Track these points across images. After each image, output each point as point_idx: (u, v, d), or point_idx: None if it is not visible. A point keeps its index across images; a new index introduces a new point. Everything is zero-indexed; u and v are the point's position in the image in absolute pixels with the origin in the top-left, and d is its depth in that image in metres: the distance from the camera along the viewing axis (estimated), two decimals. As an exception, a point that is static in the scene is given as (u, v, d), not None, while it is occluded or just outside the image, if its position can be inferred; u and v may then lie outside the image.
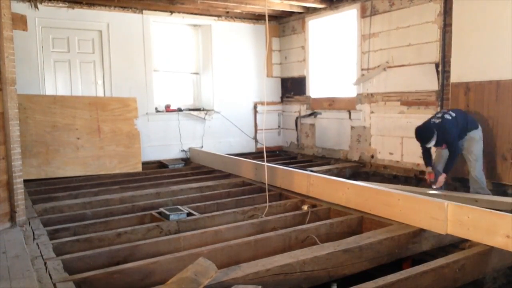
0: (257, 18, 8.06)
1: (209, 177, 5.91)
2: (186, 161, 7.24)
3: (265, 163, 4.70)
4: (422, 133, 4.73)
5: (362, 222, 3.78)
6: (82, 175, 5.96)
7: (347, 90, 7.00)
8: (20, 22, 5.22)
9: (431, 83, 5.63)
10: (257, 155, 7.65)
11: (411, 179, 5.89)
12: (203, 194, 4.85)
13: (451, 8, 5.27)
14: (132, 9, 7.00)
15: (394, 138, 6.19)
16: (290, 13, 7.79)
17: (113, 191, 5.00)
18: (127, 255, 2.99)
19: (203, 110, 7.83)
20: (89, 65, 6.89)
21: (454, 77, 5.27)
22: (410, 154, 5.97)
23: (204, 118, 7.72)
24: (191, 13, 7.47)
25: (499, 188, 4.87)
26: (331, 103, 7.32)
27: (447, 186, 5.07)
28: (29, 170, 5.53)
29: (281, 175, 4.91)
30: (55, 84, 6.68)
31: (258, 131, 8.28)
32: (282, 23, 8.32)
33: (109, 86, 6.94)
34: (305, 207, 4.15)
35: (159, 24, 7.47)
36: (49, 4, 6.40)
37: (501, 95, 4.80)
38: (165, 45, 7.63)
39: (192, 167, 6.86)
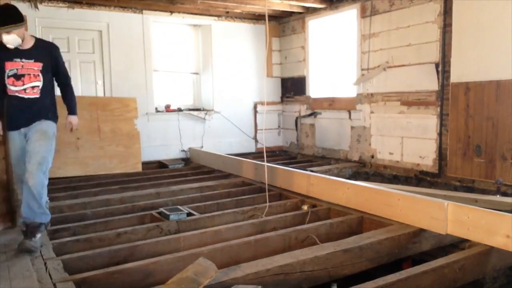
0: (257, 18, 8.06)
1: (209, 177, 5.90)
2: (186, 161, 7.24)
3: (265, 163, 4.70)
4: None
5: (362, 222, 3.78)
6: (82, 175, 5.95)
7: (347, 90, 6.99)
8: (20, 22, 5.20)
9: (431, 83, 5.62)
10: (257, 155, 7.64)
11: (411, 179, 5.89)
12: (203, 194, 4.85)
13: (451, 8, 5.27)
14: (132, 9, 7.00)
15: (394, 138, 6.19)
16: (290, 13, 7.79)
17: (113, 191, 5.00)
18: (127, 255, 2.99)
19: (203, 110, 7.83)
20: (89, 65, 6.88)
21: (454, 77, 5.27)
22: (410, 154, 5.97)
23: (204, 118, 7.72)
24: (191, 13, 7.46)
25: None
26: (331, 103, 7.32)
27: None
28: (29, 170, 5.53)
29: (281, 175, 4.90)
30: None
31: (258, 131, 8.27)
32: (282, 23, 8.32)
33: (109, 86, 6.94)
34: (305, 207, 4.16)
35: (159, 24, 7.46)
36: (49, 4, 6.39)
37: (501, 95, 4.80)
38: (165, 45, 7.62)
39: (192, 167, 6.85)
